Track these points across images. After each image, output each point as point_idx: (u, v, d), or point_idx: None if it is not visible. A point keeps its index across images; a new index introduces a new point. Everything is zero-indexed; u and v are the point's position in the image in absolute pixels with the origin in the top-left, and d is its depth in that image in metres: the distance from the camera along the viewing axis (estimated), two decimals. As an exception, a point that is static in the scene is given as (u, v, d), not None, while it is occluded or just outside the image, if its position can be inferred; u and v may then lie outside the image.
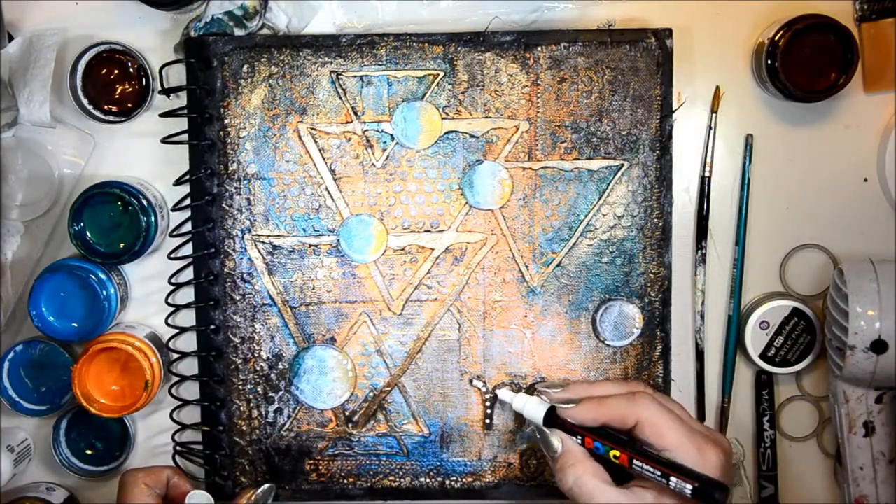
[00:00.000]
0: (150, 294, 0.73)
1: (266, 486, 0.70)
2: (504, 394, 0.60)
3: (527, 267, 0.70)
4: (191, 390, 0.71)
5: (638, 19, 0.71)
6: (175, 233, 0.70)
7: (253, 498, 0.69)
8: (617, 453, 0.55)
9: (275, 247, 0.70)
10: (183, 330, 0.71)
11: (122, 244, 0.70)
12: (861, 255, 0.69)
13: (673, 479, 0.53)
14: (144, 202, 0.69)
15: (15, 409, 0.71)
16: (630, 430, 0.57)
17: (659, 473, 0.54)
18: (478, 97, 0.69)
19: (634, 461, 0.55)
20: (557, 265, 0.70)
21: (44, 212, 0.72)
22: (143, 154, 0.72)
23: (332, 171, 0.70)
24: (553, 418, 0.58)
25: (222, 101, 0.69)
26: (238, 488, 0.72)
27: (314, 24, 0.71)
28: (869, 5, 0.70)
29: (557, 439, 0.57)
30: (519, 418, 0.59)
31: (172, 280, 0.71)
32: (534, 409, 0.58)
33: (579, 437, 0.57)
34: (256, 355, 0.71)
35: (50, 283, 0.69)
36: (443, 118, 0.69)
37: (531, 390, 0.65)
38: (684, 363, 0.73)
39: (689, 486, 0.52)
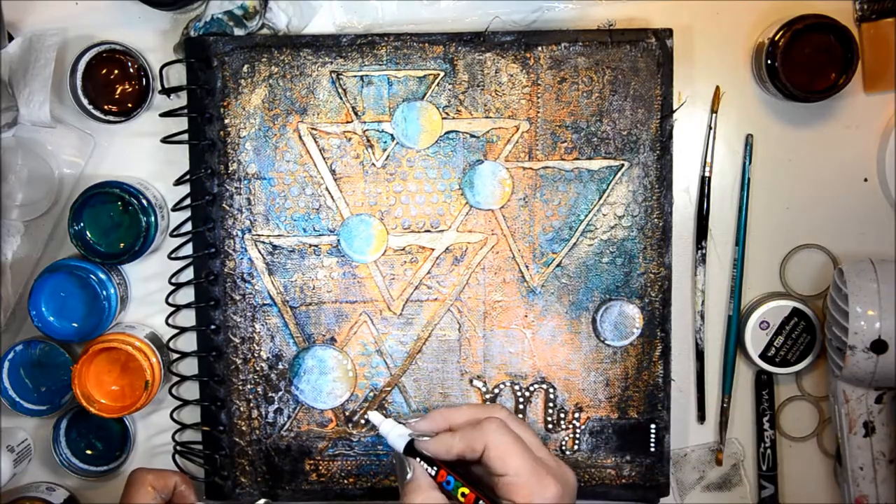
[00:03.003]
0: (150, 294, 0.73)
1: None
2: (373, 416, 0.61)
3: (527, 267, 0.70)
4: (191, 390, 0.71)
5: (638, 19, 0.71)
6: (175, 233, 0.70)
7: None
8: (466, 491, 0.56)
9: (275, 247, 0.70)
10: (183, 330, 0.71)
11: (122, 244, 0.70)
12: (861, 255, 0.69)
13: None
14: (144, 202, 0.69)
15: (15, 409, 0.71)
16: (481, 458, 0.57)
17: None
18: (478, 97, 0.69)
19: (480, 502, 0.56)
20: (558, 265, 0.70)
21: (44, 212, 0.72)
22: (143, 154, 0.72)
23: (333, 171, 0.70)
24: (413, 448, 0.59)
25: (222, 100, 0.69)
26: (238, 489, 0.72)
27: (314, 24, 0.71)
28: (869, 5, 0.70)
29: (410, 466, 0.58)
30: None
31: (172, 280, 0.71)
32: (396, 436, 0.59)
33: (435, 469, 0.57)
34: (256, 355, 0.71)
35: (50, 283, 0.69)
36: (443, 118, 0.69)
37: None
38: (684, 363, 0.73)
39: None
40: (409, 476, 0.58)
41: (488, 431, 0.57)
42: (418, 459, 0.58)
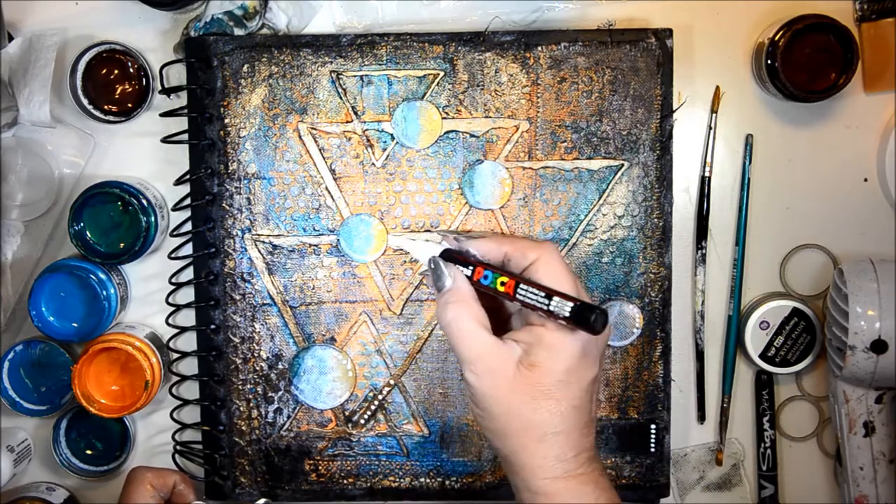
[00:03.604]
0: (150, 294, 0.73)
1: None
2: (394, 240, 0.58)
3: (527, 267, 0.70)
4: (191, 390, 0.71)
5: (638, 19, 0.71)
6: (175, 233, 0.70)
7: None
8: (505, 279, 0.53)
9: (275, 246, 0.70)
10: (183, 330, 0.71)
11: (122, 244, 0.70)
12: (861, 255, 0.69)
13: (556, 298, 0.51)
14: (144, 202, 0.69)
15: (15, 409, 0.71)
16: (523, 272, 0.55)
17: (543, 294, 0.52)
18: (478, 97, 0.69)
19: (520, 286, 0.53)
20: (557, 265, 0.70)
21: (44, 212, 0.72)
22: (143, 154, 0.72)
23: (332, 171, 0.70)
24: (448, 258, 0.57)
25: (222, 100, 0.69)
26: (238, 488, 0.72)
27: (314, 23, 0.71)
28: (869, 5, 0.70)
29: (450, 273, 0.55)
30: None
31: (172, 280, 0.71)
32: (432, 247, 0.57)
33: (470, 269, 0.55)
34: (256, 355, 0.71)
35: (50, 283, 0.69)
36: (443, 118, 0.69)
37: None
38: (684, 363, 0.73)
39: (568, 305, 0.51)
40: (448, 283, 0.55)
41: (546, 246, 0.54)
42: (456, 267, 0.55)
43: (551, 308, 0.51)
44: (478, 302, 0.55)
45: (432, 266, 0.56)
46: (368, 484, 0.72)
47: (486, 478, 0.72)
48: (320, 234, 0.70)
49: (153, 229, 0.69)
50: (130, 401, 0.70)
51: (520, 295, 0.53)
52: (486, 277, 0.54)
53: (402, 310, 0.71)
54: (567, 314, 0.51)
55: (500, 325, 0.57)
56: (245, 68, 0.69)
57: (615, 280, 0.70)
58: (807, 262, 0.73)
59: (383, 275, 0.70)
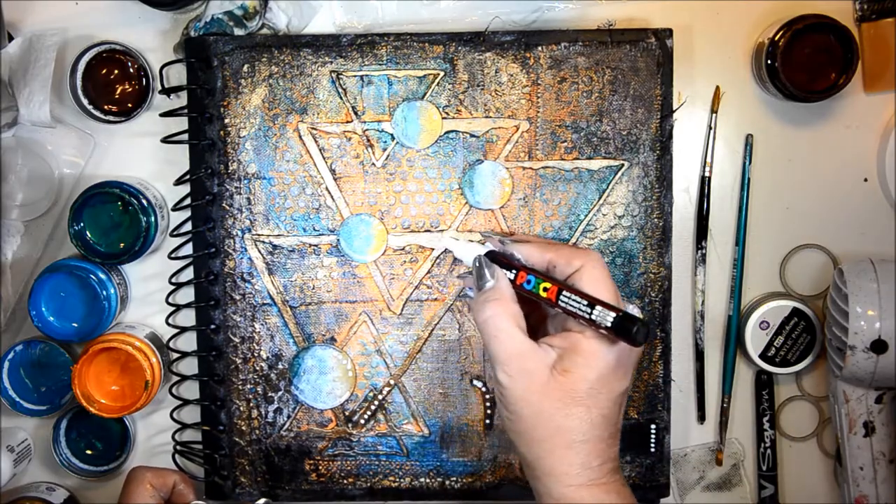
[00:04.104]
0: (150, 294, 0.73)
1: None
2: (447, 242, 0.58)
3: (527, 267, 0.70)
4: (191, 390, 0.71)
5: (638, 19, 0.71)
6: (175, 233, 0.70)
7: None
8: (548, 285, 0.54)
9: (275, 246, 0.70)
10: (183, 330, 0.71)
11: (122, 244, 0.70)
12: (861, 255, 0.69)
13: (598, 308, 0.52)
14: (144, 202, 0.69)
15: (15, 409, 0.71)
16: (566, 279, 0.55)
17: (585, 303, 0.52)
18: (478, 97, 0.69)
19: (563, 293, 0.53)
20: (557, 265, 0.70)
21: (44, 212, 0.72)
22: (143, 154, 0.72)
23: (333, 171, 0.70)
24: (493, 259, 0.57)
25: (222, 100, 0.69)
26: (238, 488, 0.72)
27: (314, 23, 0.71)
28: (869, 5, 0.70)
29: (493, 274, 0.56)
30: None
31: (172, 280, 0.71)
32: (476, 247, 0.57)
33: (514, 272, 0.55)
34: (256, 355, 0.71)
35: (50, 283, 0.69)
36: (443, 118, 0.69)
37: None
38: (684, 363, 0.73)
39: (611, 316, 0.51)
40: (490, 281, 0.55)
41: (591, 255, 0.55)
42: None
43: (594, 317, 0.52)
44: (517, 304, 0.55)
45: (476, 265, 0.56)
46: (368, 484, 0.72)
47: (486, 478, 0.72)
48: (320, 234, 0.70)
49: (153, 229, 0.69)
50: (130, 401, 0.70)
51: (562, 302, 0.53)
52: (528, 282, 0.55)
53: (402, 310, 0.71)
54: (609, 324, 0.51)
55: (535, 329, 0.57)
56: (245, 68, 0.69)
57: (615, 280, 0.70)
58: (807, 262, 0.73)
59: (383, 275, 0.70)
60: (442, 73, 0.69)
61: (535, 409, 0.53)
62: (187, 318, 0.71)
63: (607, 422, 0.53)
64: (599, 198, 0.70)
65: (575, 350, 0.53)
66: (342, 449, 0.72)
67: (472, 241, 0.57)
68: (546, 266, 0.56)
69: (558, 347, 0.53)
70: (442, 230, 0.70)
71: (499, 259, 0.56)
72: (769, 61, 0.68)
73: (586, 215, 0.70)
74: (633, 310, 0.55)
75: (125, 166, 0.72)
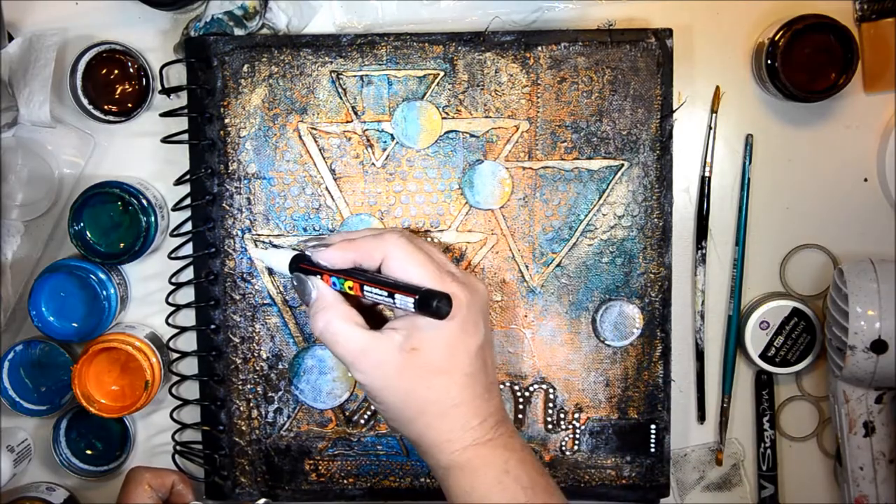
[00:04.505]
0: (150, 294, 0.73)
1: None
2: (254, 251, 0.58)
3: (527, 267, 0.70)
4: (191, 390, 0.71)
5: (638, 19, 0.71)
6: (175, 233, 0.70)
7: None
8: (350, 284, 0.54)
9: (275, 246, 0.70)
10: (183, 330, 0.71)
11: (122, 244, 0.70)
12: (861, 255, 0.69)
13: (398, 296, 0.52)
14: (144, 202, 0.69)
15: (15, 409, 0.71)
16: (379, 270, 0.55)
17: (385, 294, 0.52)
18: (478, 97, 0.69)
19: (365, 287, 0.53)
20: (557, 265, 0.70)
21: (44, 212, 0.72)
22: (143, 154, 0.72)
23: (332, 171, 0.70)
24: (303, 267, 0.57)
25: (222, 100, 0.69)
26: (238, 488, 0.72)
27: (314, 23, 0.71)
28: (869, 5, 0.70)
29: (312, 284, 0.56)
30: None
31: (172, 280, 0.71)
32: (283, 257, 0.57)
33: (319, 276, 0.56)
34: (256, 355, 0.71)
35: (50, 283, 0.69)
36: (443, 118, 0.69)
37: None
38: (684, 363, 0.73)
39: (410, 300, 0.51)
40: (313, 295, 0.56)
41: (388, 241, 0.55)
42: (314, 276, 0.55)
43: (398, 306, 0.52)
44: (346, 303, 0.55)
45: (294, 282, 0.57)
46: (368, 484, 0.72)
47: (486, 478, 0.72)
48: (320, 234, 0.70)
49: (153, 229, 0.69)
50: (130, 401, 0.70)
51: (368, 296, 0.53)
52: (334, 284, 0.55)
53: (402, 310, 0.71)
54: (412, 309, 0.51)
55: (384, 320, 0.57)
56: (245, 68, 0.69)
57: (615, 280, 0.70)
58: (807, 262, 0.73)
59: (383, 275, 0.70)
60: (442, 73, 0.69)
61: (401, 393, 0.53)
62: (187, 318, 0.71)
63: (474, 380, 0.54)
64: (599, 198, 0.70)
65: (415, 326, 0.53)
66: (342, 449, 0.72)
67: (278, 246, 0.57)
68: (351, 265, 0.56)
69: (402, 329, 0.54)
70: (442, 230, 0.70)
71: (310, 266, 0.56)
72: (769, 61, 0.68)
73: (586, 215, 0.70)
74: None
75: (125, 166, 0.72)
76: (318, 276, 0.56)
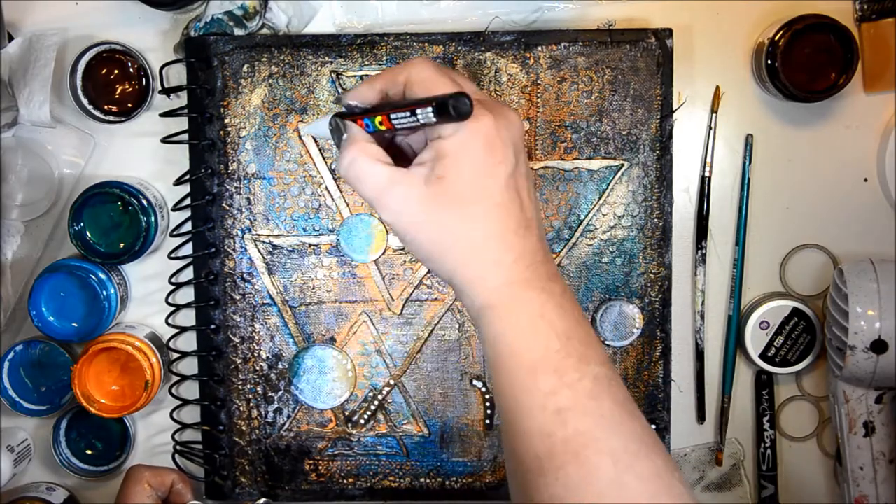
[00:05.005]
0: (150, 294, 0.73)
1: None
2: (306, 129, 0.55)
3: (527, 267, 0.70)
4: (191, 390, 0.71)
5: (638, 19, 0.71)
6: (175, 233, 0.70)
7: None
8: (380, 118, 0.51)
9: (275, 246, 0.70)
10: (183, 330, 0.71)
11: (122, 244, 0.70)
12: (861, 255, 0.69)
13: (419, 110, 0.49)
14: (144, 202, 0.69)
15: (15, 409, 0.71)
16: (404, 96, 0.53)
17: (408, 113, 0.49)
18: (478, 97, 0.69)
19: (391, 116, 0.50)
20: (557, 265, 0.70)
21: (44, 212, 0.72)
22: (143, 154, 0.72)
23: (332, 171, 0.70)
24: (343, 118, 0.55)
25: (222, 100, 0.69)
26: (237, 488, 0.72)
27: (314, 23, 0.71)
28: (869, 5, 0.70)
29: (344, 128, 0.53)
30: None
31: (172, 280, 0.71)
32: (323, 120, 0.55)
33: (353, 121, 0.53)
34: (256, 355, 0.71)
35: (50, 283, 0.69)
36: (443, 118, 0.69)
37: None
38: (684, 363, 0.73)
39: (429, 109, 0.48)
40: (344, 136, 0.53)
41: (413, 63, 0.52)
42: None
43: (421, 121, 0.49)
44: (373, 142, 0.52)
45: (331, 128, 0.54)
46: (368, 484, 0.72)
47: (486, 478, 0.72)
48: (320, 234, 0.70)
49: (153, 229, 0.69)
50: (130, 401, 0.70)
51: (396, 124, 0.51)
52: (367, 126, 0.52)
53: (402, 310, 0.71)
54: (433, 118, 0.48)
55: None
56: (245, 68, 0.69)
57: (615, 280, 0.70)
58: (807, 262, 0.73)
59: (383, 275, 0.70)
60: (442, 73, 0.69)
61: (429, 227, 0.50)
62: (187, 318, 0.71)
63: (507, 211, 0.50)
64: (599, 198, 0.70)
65: (440, 155, 0.50)
66: (342, 449, 0.72)
67: (320, 118, 0.55)
68: (380, 97, 0.53)
69: (427, 162, 0.50)
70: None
71: (347, 117, 0.54)
72: (769, 61, 0.68)
73: (586, 215, 0.70)
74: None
75: (125, 166, 0.72)
76: (353, 122, 0.53)
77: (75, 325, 0.70)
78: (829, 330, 0.68)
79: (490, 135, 0.50)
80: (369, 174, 0.51)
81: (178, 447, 0.71)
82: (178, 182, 0.69)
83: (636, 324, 0.70)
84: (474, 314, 0.51)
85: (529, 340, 0.49)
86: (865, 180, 0.72)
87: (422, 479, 0.72)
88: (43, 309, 0.70)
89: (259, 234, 0.70)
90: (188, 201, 0.70)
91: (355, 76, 0.69)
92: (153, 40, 0.71)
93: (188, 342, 0.72)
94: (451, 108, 0.48)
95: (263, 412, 0.71)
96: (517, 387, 0.49)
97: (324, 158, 0.70)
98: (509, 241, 0.50)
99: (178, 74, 0.71)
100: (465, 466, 0.72)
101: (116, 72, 0.70)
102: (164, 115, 0.69)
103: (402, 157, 0.54)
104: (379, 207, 0.51)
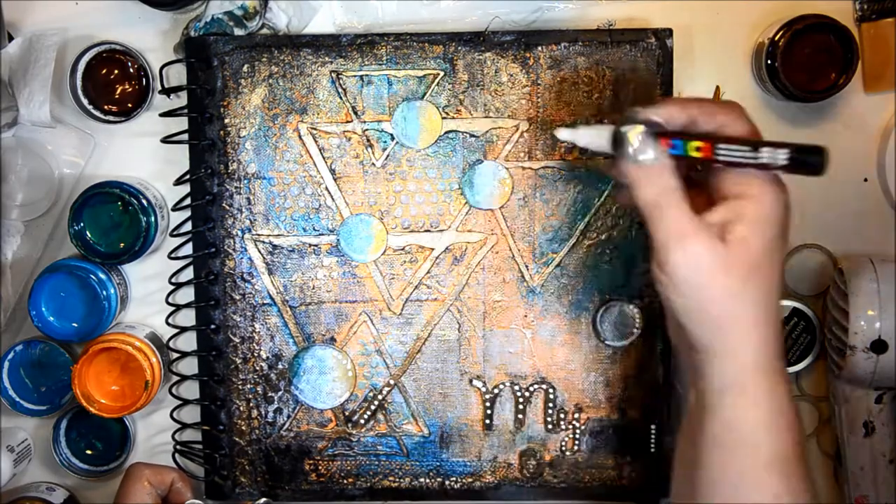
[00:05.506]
0: (150, 294, 0.73)
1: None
2: (563, 133, 0.52)
3: (527, 267, 0.70)
4: (191, 390, 0.71)
5: (638, 19, 0.71)
6: (175, 233, 0.70)
7: None
8: (699, 144, 0.48)
9: (275, 246, 0.70)
10: (183, 329, 0.71)
11: (122, 244, 0.70)
12: (861, 255, 0.69)
13: (764, 150, 0.47)
14: (144, 202, 0.69)
15: (15, 409, 0.71)
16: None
17: (748, 148, 0.47)
18: (478, 97, 0.69)
19: (719, 146, 0.48)
20: (557, 265, 0.70)
21: (44, 212, 0.72)
22: (143, 154, 0.72)
23: (332, 171, 0.70)
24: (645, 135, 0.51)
25: (222, 100, 0.69)
26: (237, 488, 0.72)
27: (314, 23, 0.71)
28: (869, 5, 0.70)
29: (652, 145, 0.49)
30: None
31: (172, 280, 0.71)
32: (606, 128, 0.52)
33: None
34: (256, 355, 0.71)
35: (50, 283, 0.69)
36: (443, 118, 0.69)
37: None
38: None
39: (782, 153, 0.46)
40: (649, 157, 0.49)
41: (732, 107, 0.51)
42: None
43: (763, 160, 0.47)
44: (675, 175, 0.50)
45: (615, 138, 0.51)
46: (368, 484, 0.72)
47: (485, 478, 0.72)
48: (320, 234, 0.70)
49: (153, 229, 0.69)
50: (130, 401, 0.70)
51: (721, 155, 0.48)
52: (674, 147, 0.49)
53: (402, 310, 0.71)
54: (785, 161, 0.46)
55: None
56: (245, 68, 0.69)
57: (615, 280, 0.70)
58: (806, 262, 0.73)
59: (383, 275, 0.70)
60: (442, 73, 0.69)
61: (710, 291, 0.49)
62: (187, 318, 0.71)
63: (779, 291, 0.50)
64: (599, 198, 0.70)
65: (740, 218, 0.49)
66: (342, 449, 0.72)
67: (593, 128, 0.52)
68: (687, 124, 0.51)
69: (720, 219, 0.49)
70: (442, 230, 0.70)
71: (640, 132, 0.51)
72: (769, 61, 0.68)
73: (586, 215, 0.70)
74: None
75: (125, 166, 0.72)
76: (657, 141, 0.50)
77: (75, 325, 0.70)
78: (828, 330, 0.68)
79: (788, 206, 0.49)
80: (674, 215, 0.50)
81: (178, 447, 0.71)
82: (178, 182, 0.69)
83: (636, 324, 0.70)
84: (715, 385, 0.50)
85: (766, 435, 0.49)
86: (865, 180, 0.72)
87: (422, 479, 0.72)
88: (43, 309, 0.70)
89: (259, 234, 0.70)
90: (188, 201, 0.70)
91: (355, 76, 0.69)
92: (153, 40, 0.71)
93: (188, 342, 0.72)
94: (813, 160, 0.46)
95: (263, 412, 0.71)
96: (748, 479, 0.49)
97: (324, 158, 0.70)
98: (776, 324, 0.49)
99: (178, 74, 0.71)
100: (465, 466, 0.72)
101: (116, 72, 0.70)
102: (164, 115, 0.69)
103: None
104: (670, 251, 0.50)
